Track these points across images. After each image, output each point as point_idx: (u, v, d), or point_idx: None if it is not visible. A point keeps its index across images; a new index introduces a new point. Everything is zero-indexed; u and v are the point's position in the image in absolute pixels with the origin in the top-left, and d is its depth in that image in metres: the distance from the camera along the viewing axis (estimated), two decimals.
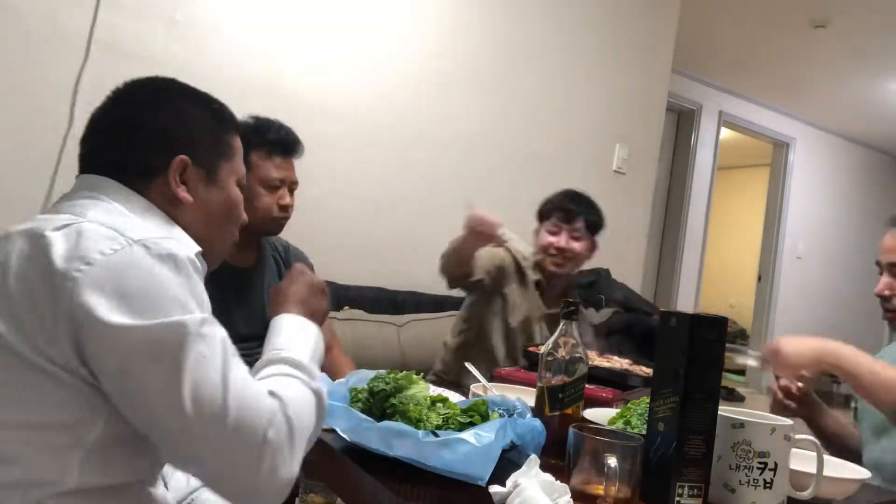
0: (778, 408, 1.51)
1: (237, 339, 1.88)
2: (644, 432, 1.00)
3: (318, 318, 1.05)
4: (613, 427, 1.15)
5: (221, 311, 1.77)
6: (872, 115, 6.34)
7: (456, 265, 2.06)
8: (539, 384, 1.13)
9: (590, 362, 1.18)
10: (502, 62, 3.33)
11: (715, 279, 7.12)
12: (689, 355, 0.93)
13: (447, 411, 1.05)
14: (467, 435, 0.92)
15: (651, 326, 3.17)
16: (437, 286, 2.42)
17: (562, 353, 1.11)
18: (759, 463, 0.95)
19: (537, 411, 1.13)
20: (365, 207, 2.96)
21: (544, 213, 2.22)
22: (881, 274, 1.52)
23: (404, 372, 1.11)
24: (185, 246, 0.86)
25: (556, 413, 1.10)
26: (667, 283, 5.76)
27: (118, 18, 2.35)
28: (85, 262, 0.76)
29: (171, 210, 0.94)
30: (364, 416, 0.99)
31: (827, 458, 1.06)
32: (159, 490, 0.95)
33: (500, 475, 0.88)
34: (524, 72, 3.41)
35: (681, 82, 5.50)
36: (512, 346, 2.14)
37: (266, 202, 1.73)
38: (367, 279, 2.90)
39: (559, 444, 1.01)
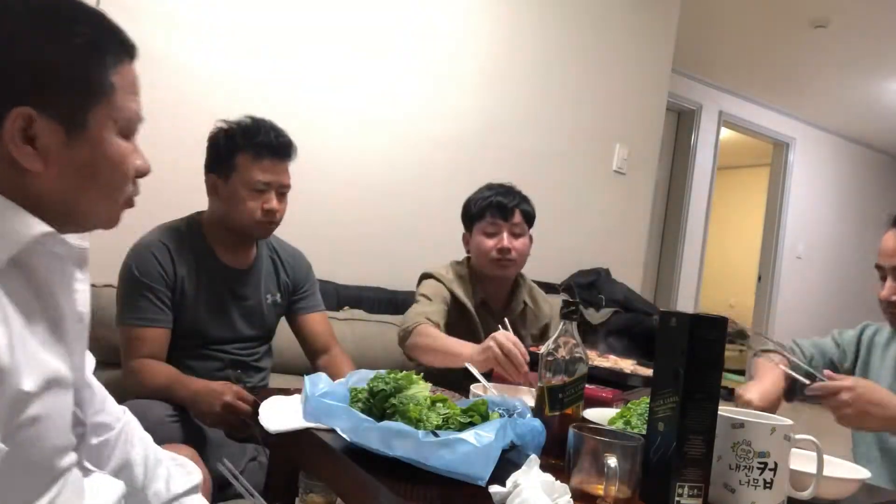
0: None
1: (237, 339, 1.88)
2: (644, 432, 1.00)
3: None
4: (613, 427, 1.15)
5: (220, 312, 1.78)
6: (872, 115, 6.34)
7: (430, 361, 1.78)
8: (539, 384, 1.13)
9: (590, 362, 1.18)
10: (502, 62, 3.33)
11: (715, 279, 7.12)
12: (689, 355, 0.93)
13: (447, 411, 1.05)
14: (467, 435, 0.92)
15: (651, 326, 3.17)
16: None
17: (562, 353, 1.11)
18: (759, 463, 0.95)
19: (537, 411, 1.13)
20: (365, 207, 2.96)
21: (475, 214, 1.93)
22: (883, 279, 1.50)
23: (404, 372, 1.11)
24: None
25: (556, 413, 1.10)
26: (667, 283, 5.76)
27: (118, 18, 2.35)
28: None
29: (16, 180, 0.70)
30: (364, 416, 0.99)
31: (827, 458, 1.06)
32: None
33: (500, 475, 0.88)
34: (524, 71, 3.41)
35: (681, 82, 5.50)
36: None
37: (249, 206, 1.67)
38: (367, 279, 2.90)
39: (559, 444, 1.01)
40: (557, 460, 1.01)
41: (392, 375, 1.09)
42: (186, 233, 1.74)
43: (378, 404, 1.06)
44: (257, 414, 1.19)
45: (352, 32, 2.89)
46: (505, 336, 1.58)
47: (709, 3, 4.46)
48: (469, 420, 1.03)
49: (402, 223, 3.06)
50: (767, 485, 0.95)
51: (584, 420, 1.16)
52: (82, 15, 0.74)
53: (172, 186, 2.22)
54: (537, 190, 2.31)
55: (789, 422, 1.00)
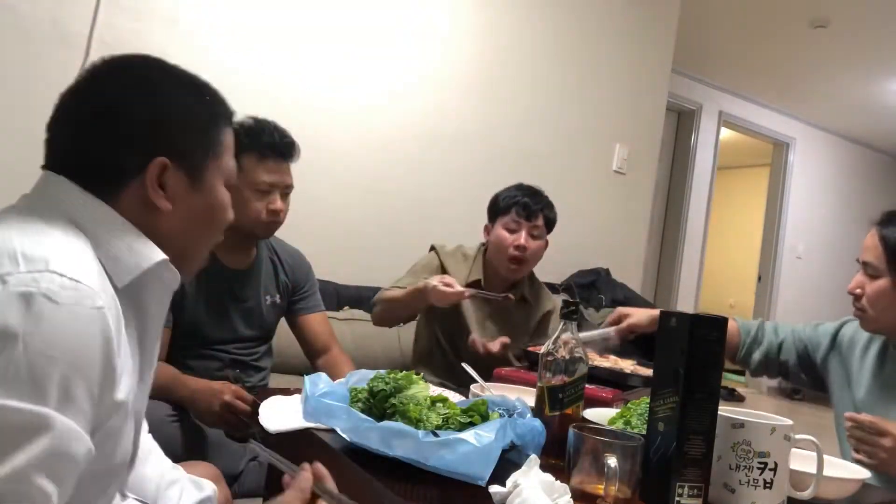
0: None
1: (236, 339, 1.88)
2: (644, 432, 1.00)
3: None
4: (613, 427, 1.15)
5: (219, 312, 1.78)
6: (872, 115, 6.34)
7: (400, 314, 2.01)
8: (539, 384, 1.13)
9: (590, 362, 1.18)
10: (502, 62, 3.33)
11: (715, 279, 7.12)
12: (689, 355, 0.93)
13: (447, 411, 1.05)
14: (467, 435, 0.92)
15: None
16: None
17: (562, 353, 1.11)
18: (759, 463, 0.95)
19: (537, 411, 1.13)
20: (365, 208, 2.96)
21: (501, 208, 2.04)
22: (858, 271, 1.53)
23: (404, 372, 1.11)
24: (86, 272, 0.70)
25: (556, 413, 1.10)
26: (667, 283, 5.76)
27: (118, 18, 2.35)
28: None
29: (147, 217, 0.81)
30: (364, 416, 0.99)
31: (827, 457, 1.06)
32: None
33: (500, 475, 0.88)
34: (524, 71, 3.41)
35: (681, 82, 5.50)
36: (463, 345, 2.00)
37: (255, 207, 1.69)
38: (367, 279, 2.90)
39: (559, 444, 1.01)
40: (557, 460, 1.01)
41: (392, 375, 1.09)
42: None
43: (378, 404, 1.06)
44: (257, 413, 1.19)
45: (352, 33, 2.89)
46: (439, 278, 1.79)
47: (709, 3, 4.46)
48: (469, 420, 1.03)
49: (402, 223, 3.06)
50: (767, 485, 0.95)
51: (584, 420, 1.16)
52: (206, 87, 0.91)
53: None
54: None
55: (789, 422, 1.00)
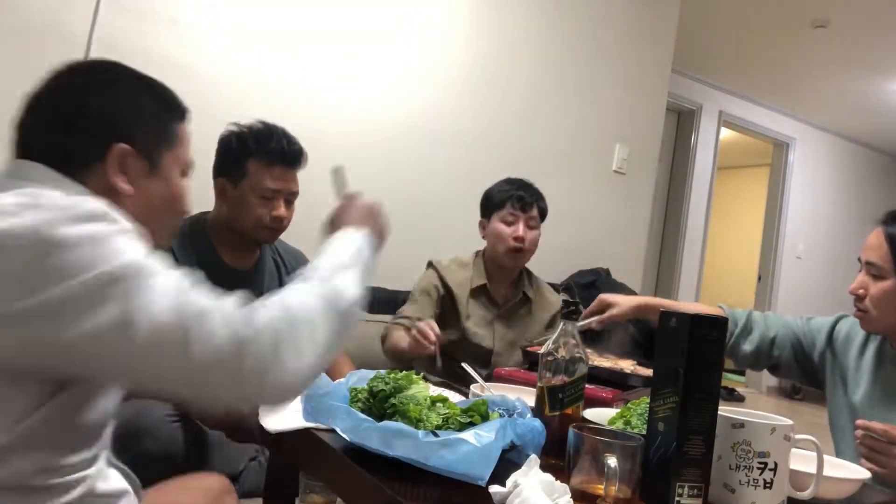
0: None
1: None
2: (644, 432, 1.00)
3: (378, 233, 1.13)
4: (613, 427, 1.15)
5: None
6: (872, 115, 6.34)
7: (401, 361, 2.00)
8: (539, 384, 1.13)
9: (590, 362, 1.18)
10: (502, 62, 3.33)
11: (715, 279, 7.12)
12: (689, 355, 0.93)
13: (447, 411, 1.05)
14: (467, 435, 0.92)
15: (651, 326, 3.16)
16: None
17: (562, 353, 1.11)
18: (759, 463, 0.95)
19: (537, 411, 1.13)
20: None
21: (496, 203, 2.10)
22: (860, 271, 1.51)
23: (404, 372, 1.11)
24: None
25: (556, 413, 1.10)
26: (667, 284, 5.76)
27: (118, 18, 2.35)
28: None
29: (111, 200, 0.86)
30: (364, 416, 0.99)
31: (827, 457, 1.06)
32: (107, 484, 0.89)
33: (500, 475, 0.88)
34: (524, 71, 3.41)
35: (681, 82, 5.50)
36: (471, 353, 2.04)
37: (259, 212, 1.70)
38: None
39: (559, 444, 1.01)
40: (557, 460, 1.01)
41: (392, 375, 1.09)
42: (189, 233, 1.74)
43: (378, 404, 1.06)
44: (257, 414, 1.19)
45: (352, 32, 2.89)
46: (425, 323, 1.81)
47: (709, 3, 4.46)
48: (469, 420, 1.03)
49: (401, 223, 3.05)
50: (767, 485, 0.95)
51: (584, 420, 1.16)
52: (160, 86, 1.00)
53: None
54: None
55: (789, 422, 1.00)
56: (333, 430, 1.01)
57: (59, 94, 0.92)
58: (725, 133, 6.23)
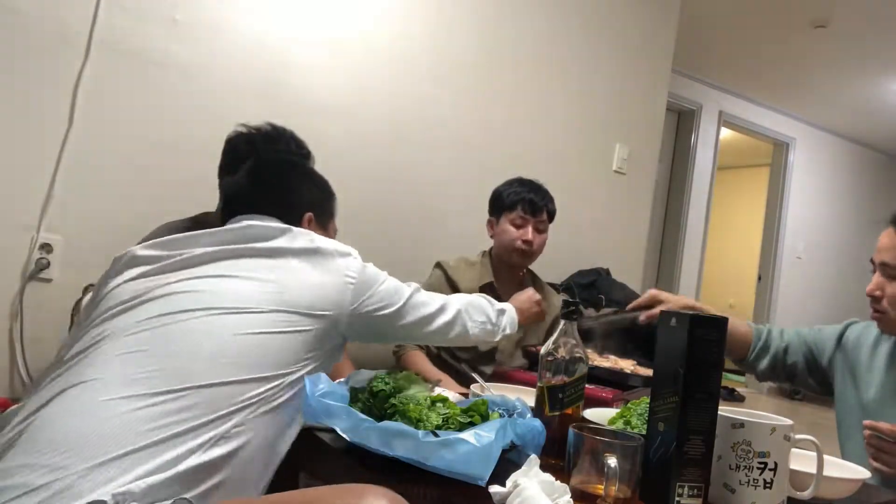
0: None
1: None
2: (644, 432, 1.00)
3: (525, 316, 1.67)
4: (613, 427, 1.15)
5: None
6: (872, 115, 6.34)
7: None
8: (539, 384, 1.13)
9: (590, 362, 1.18)
10: (501, 62, 3.33)
11: (715, 279, 7.12)
12: (689, 355, 0.93)
13: (447, 411, 1.05)
14: (467, 435, 0.92)
15: (651, 326, 3.16)
16: None
17: (562, 353, 1.11)
18: (759, 463, 0.95)
19: (537, 411, 1.13)
20: (365, 208, 2.96)
21: (507, 205, 2.14)
22: (872, 272, 1.50)
23: (404, 372, 1.11)
24: None
25: (556, 413, 1.10)
26: (667, 284, 5.76)
27: (118, 18, 2.35)
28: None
29: None
30: (364, 416, 0.99)
31: (827, 458, 1.06)
32: None
33: (500, 475, 0.88)
34: (524, 71, 3.41)
35: (681, 82, 5.50)
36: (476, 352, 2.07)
37: None
38: None
39: (559, 444, 1.01)
40: (557, 460, 1.01)
41: (392, 375, 1.09)
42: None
43: (378, 404, 1.06)
44: None
45: (352, 32, 2.89)
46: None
47: (709, 3, 4.46)
48: (469, 420, 1.03)
49: (401, 223, 3.06)
50: (767, 485, 0.95)
51: (584, 420, 1.16)
52: (326, 181, 1.53)
53: (176, 188, 2.22)
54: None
55: (789, 422, 1.00)
56: (333, 430, 1.01)
57: (286, 181, 1.41)
58: (725, 133, 6.23)
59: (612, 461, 0.86)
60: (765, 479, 0.95)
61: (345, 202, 2.88)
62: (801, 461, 1.07)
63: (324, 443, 1.06)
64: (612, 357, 1.80)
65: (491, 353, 2.08)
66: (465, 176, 3.19)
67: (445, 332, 1.36)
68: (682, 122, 5.84)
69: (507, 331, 1.50)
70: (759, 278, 6.66)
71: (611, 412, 1.26)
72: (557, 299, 2.24)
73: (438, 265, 2.21)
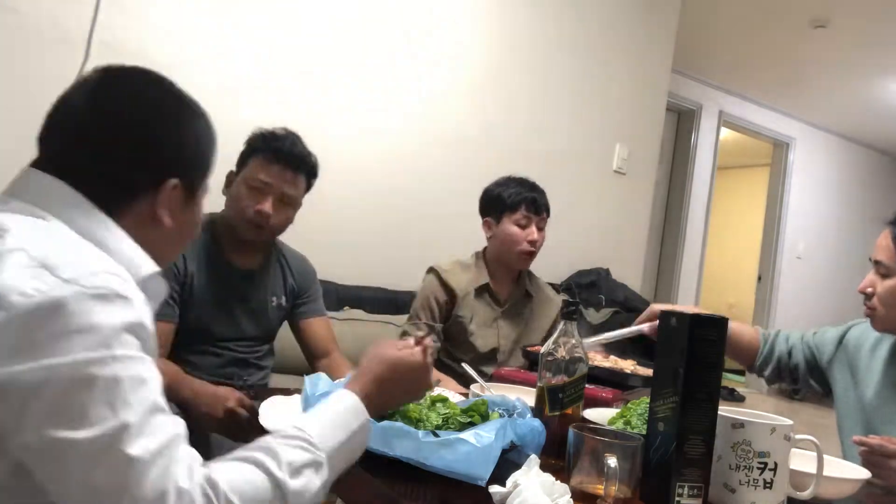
0: None
1: (240, 337, 1.89)
2: (644, 432, 1.00)
3: (391, 406, 0.97)
4: (613, 427, 1.15)
5: (225, 311, 1.78)
6: (872, 115, 6.34)
7: None
8: (539, 384, 1.13)
9: (590, 362, 1.18)
10: (502, 62, 3.33)
11: (715, 279, 7.12)
12: (689, 355, 0.93)
13: (447, 411, 1.05)
14: (467, 435, 0.92)
15: None
16: None
17: (562, 353, 1.11)
18: (759, 463, 0.95)
19: (537, 411, 1.13)
20: (365, 208, 2.96)
21: (509, 205, 2.09)
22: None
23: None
24: (128, 277, 0.76)
25: (556, 413, 1.10)
26: (667, 283, 5.76)
27: (118, 18, 2.35)
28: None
29: (145, 231, 0.85)
30: None
31: (827, 457, 1.06)
32: None
33: (500, 475, 0.88)
34: (524, 72, 3.41)
35: (681, 82, 5.50)
36: (475, 354, 2.07)
37: (244, 203, 1.68)
38: (367, 279, 2.90)
39: (559, 444, 1.01)
40: (557, 460, 1.01)
41: None
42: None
43: None
44: (256, 415, 1.19)
45: (352, 34, 2.89)
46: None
47: (709, 3, 4.46)
48: (469, 420, 1.03)
49: (402, 223, 3.06)
50: (767, 485, 0.95)
51: (584, 420, 1.16)
52: (203, 109, 0.93)
53: None
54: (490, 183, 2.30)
55: (789, 422, 1.00)
56: None
57: (106, 111, 0.85)
58: (725, 133, 6.23)
59: (612, 461, 0.86)
60: (765, 479, 0.95)
61: (345, 203, 2.90)
62: (801, 461, 1.07)
63: None
64: (612, 357, 1.80)
65: (492, 353, 2.08)
66: (465, 176, 3.19)
67: None
68: (682, 122, 5.84)
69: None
70: (759, 278, 6.66)
71: (611, 412, 1.26)
72: (556, 295, 2.24)
73: (431, 270, 2.16)
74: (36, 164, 0.84)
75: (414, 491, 0.90)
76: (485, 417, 1.05)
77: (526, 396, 1.21)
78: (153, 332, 0.75)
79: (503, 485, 0.86)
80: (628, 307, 3.39)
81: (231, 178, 1.76)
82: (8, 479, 0.69)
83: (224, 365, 1.75)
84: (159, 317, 1.62)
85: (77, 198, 0.80)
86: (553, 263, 3.40)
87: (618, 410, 1.25)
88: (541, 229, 2.12)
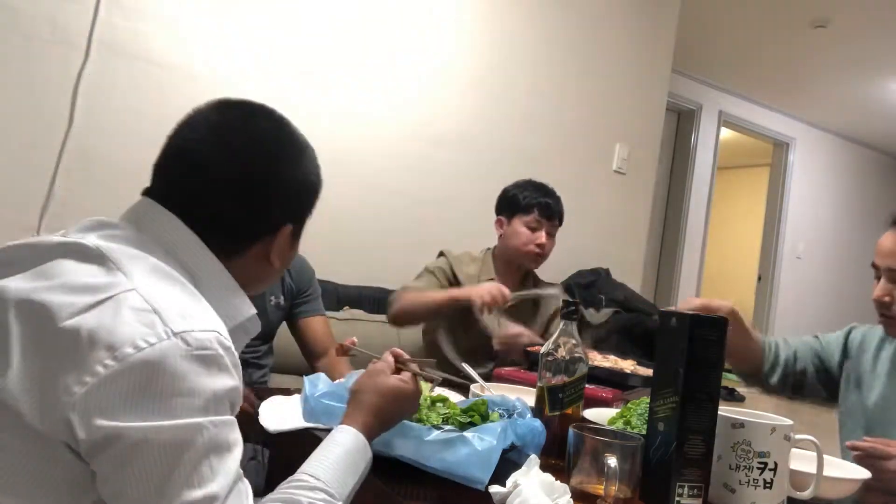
0: None
1: None
2: (644, 432, 1.00)
3: (387, 426, 0.96)
4: (613, 427, 1.15)
5: None
6: (872, 115, 6.34)
7: (424, 317, 2.09)
8: (539, 384, 1.13)
9: (590, 362, 1.18)
10: (502, 62, 3.33)
11: (715, 279, 7.12)
12: (689, 355, 0.93)
13: (447, 411, 1.05)
14: (469, 434, 0.92)
15: (651, 326, 3.16)
16: None
17: (562, 353, 1.11)
18: (759, 463, 0.95)
19: (537, 411, 1.13)
20: (365, 208, 2.96)
21: (522, 207, 2.13)
22: (877, 278, 1.47)
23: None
24: (221, 331, 0.75)
25: (556, 413, 1.10)
26: (667, 283, 5.76)
27: (118, 18, 2.35)
28: (113, 357, 0.65)
29: (257, 269, 0.87)
30: None
31: (827, 458, 1.06)
32: None
33: (500, 475, 0.88)
34: (524, 72, 3.41)
35: (681, 82, 5.50)
36: (474, 344, 2.06)
37: None
38: (367, 279, 2.90)
39: (559, 444, 1.01)
40: (557, 460, 1.01)
41: None
42: None
43: None
44: (257, 415, 1.19)
45: (355, 33, 2.89)
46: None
47: (709, 3, 4.46)
48: (469, 420, 1.03)
49: (402, 224, 3.06)
50: (767, 485, 0.95)
51: (584, 420, 1.16)
52: (312, 150, 0.93)
53: None
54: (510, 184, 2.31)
55: (789, 422, 1.00)
56: None
57: (236, 157, 0.83)
58: (725, 133, 6.23)
59: (612, 461, 0.86)
60: (765, 479, 0.95)
61: (345, 203, 2.90)
62: (801, 461, 1.07)
63: None
64: (612, 357, 1.80)
65: (492, 350, 2.08)
66: (466, 176, 3.19)
67: None
68: (682, 122, 5.84)
69: None
70: (759, 278, 6.66)
71: (611, 412, 1.26)
72: (560, 294, 2.25)
73: (442, 253, 2.22)
74: (152, 195, 0.83)
75: (414, 491, 0.90)
76: (485, 417, 1.05)
77: (526, 396, 1.21)
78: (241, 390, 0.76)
79: (503, 485, 0.86)
80: (628, 307, 3.39)
81: None
82: None
83: None
84: None
85: (191, 238, 0.80)
86: (553, 263, 3.39)
87: (618, 410, 1.24)
88: (550, 235, 2.14)
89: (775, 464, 0.96)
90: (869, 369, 1.55)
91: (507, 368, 1.72)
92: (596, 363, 1.67)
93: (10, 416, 0.66)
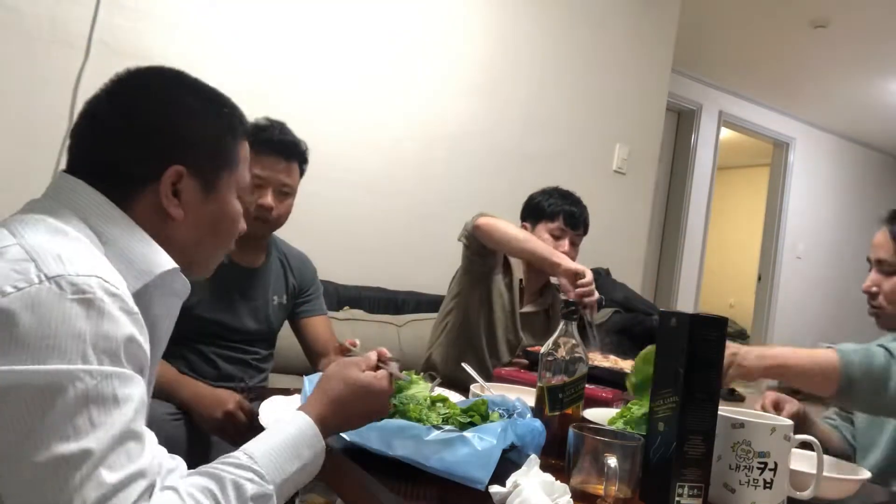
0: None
1: (244, 334, 1.88)
2: (644, 432, 1.00)
3: (347, 428, 0.94)
4: (613, 427, 1.15)
5: (227, 308, 1.78)
6: (872, 115, 6.34)
7: (505, 251, 2.01)
8: (539, 384, 1.13)
9: (590, 362, 1.18)
10: (502, 62, 3.33)
11: (715, 279, 7.12)
12: (689, 355, 0.93)
13: (447, 411, 1.05)
14: (469, 434, 0.92)
15: (651, 326, 3.16)
16: (437, 286, 2.41)
17: (562, 353, 1.11)
18: (759, 463, 0.95)
19: (537, 411, 1.13)
20: (365, 208, 2.96)
21: (548, 214, 2.13)
22: (871, 270, 1.53)
23: (404, 372, 1.11)
24: (119, 281, 0.74)
25: (556, 413, 1.10)
26: (667, 283, 5.76)
27: (118, 18, 2.35)
28: None
29: (159, 225, 0.84)
30: None
31: (827, 458, 1.06)
32: None
33: (500, 475, 0.88)
34: (524, 72, 3.41)
35: (681, 82, 5.50)
36: (494, 338, 2.07)
37: (245, 199, 1.70)
38: (367, 279, 2.90)
39: (559, 444, 1.01)
40: (557, 460, 1.01)
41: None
42: None
43: None
44: (256, 415, 1.19)
45: (352, 35, 2.89)
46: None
47: (709, 3, 4.46)
48: (469, 420, 1.03)
49: (402, 224, 3.06)
50: (767, 485, 0.95)
51: (584, 420, 1.16)
52: (224, 100, 0.93)
53: None
54: (537, 190, 2.32)
55: (789, 422, 1.00)
56: None
57: (113, 105, 0.86)
58: (725, 133, 6.23)
59: (612, 461, 0.86)
60: (765, 479, 0.95)
61: (345, 203, 2.90)
62: (801, 461, 1.07)
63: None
64: (612, 357, 1.80)
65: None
66: (466, 176, 3.19)
67: None
68: (682, 122, 5.84)
69: None
70: (759, 278, 6.66)
71: (611, 412, 1.26)
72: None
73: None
74: (67, 168, 0.86)
75: (414, 491, 0.90)
76: (485, 417, 1.05)
77: (526, 396, 1.21)
78: (143, 342, 0.74)
79: (503, 485, 0.86)
80: (628, 307, 3.39)
81: None
82: None
83: (225, 364, 1.74)
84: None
85: (87, 190, 0.82)
86: None
87: (618, 410, 1.24)
88: (574, 245, 2.12)
89: (775, 464, 0.96)
90: None
91: (507, 369, 1.73)
92: (596, 363, 1.67)
93: None
